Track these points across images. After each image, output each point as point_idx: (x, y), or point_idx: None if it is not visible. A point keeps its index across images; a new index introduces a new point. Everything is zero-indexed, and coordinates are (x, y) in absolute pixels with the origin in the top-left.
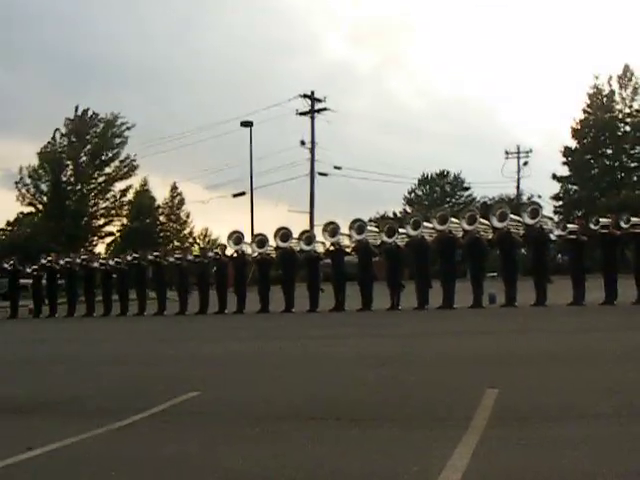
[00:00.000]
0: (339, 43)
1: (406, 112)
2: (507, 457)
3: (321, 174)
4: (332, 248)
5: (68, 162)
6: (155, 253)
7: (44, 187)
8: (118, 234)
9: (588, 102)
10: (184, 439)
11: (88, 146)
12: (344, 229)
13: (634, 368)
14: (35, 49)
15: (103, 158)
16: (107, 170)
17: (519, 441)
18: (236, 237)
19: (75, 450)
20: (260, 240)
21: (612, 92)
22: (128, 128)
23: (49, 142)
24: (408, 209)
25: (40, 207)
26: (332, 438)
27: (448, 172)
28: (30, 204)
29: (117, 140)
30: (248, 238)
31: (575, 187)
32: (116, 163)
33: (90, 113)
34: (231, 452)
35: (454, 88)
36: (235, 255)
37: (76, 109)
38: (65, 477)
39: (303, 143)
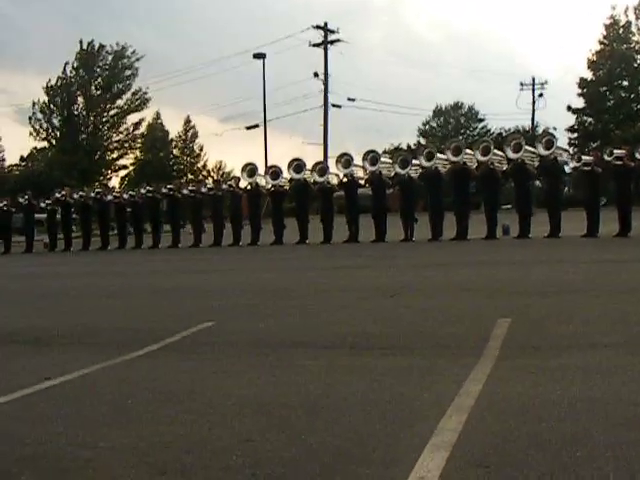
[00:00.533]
0: None
1: (420, 44)
2: (519, 384)
3: (335, 106)
4: (345, 180)
5: (79, 95)
6: (169, 186)
7: (56, 122)
8: (132, 167)
9: (604, 33)
10: (199, 368)
11: (99, 79)
12: (357, 161)
13: None
14: None
15: (114, 90)
16: (119, 103)
17: (530, 369)
18: (250, 169)
19: (92, 380)
20: (274, 172)
21: (629, 23)
22: (137, 59)
23: (59, 77)
24: (422, 141)
25: (54, 142)
26: (345, 367)
27: (462, 104)
28: (44, 139)
29: (127, 72)
30: (262, 170)
31: (590, 119)
32: (128, 95)
33: (97, 45)
34: (245, 380)
35: (469, 20)
36: (249, 187)
37: (80, 42)
38: (82, 405)
39: (316, 75)
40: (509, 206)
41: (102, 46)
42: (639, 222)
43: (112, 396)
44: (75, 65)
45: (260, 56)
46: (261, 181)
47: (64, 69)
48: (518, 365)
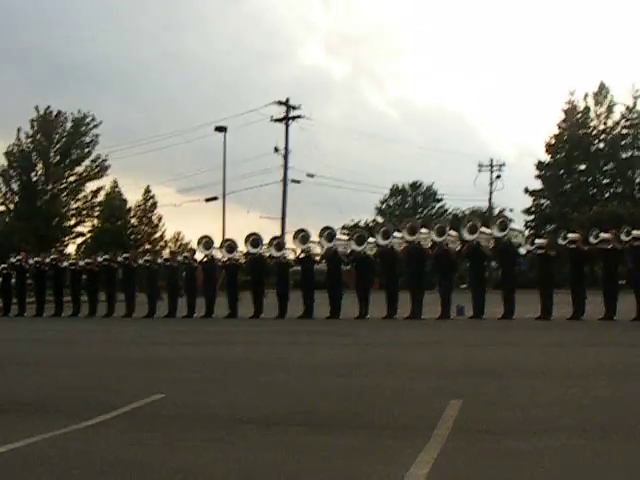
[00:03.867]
0: (315, 52)
1: (380, 122)
2: (467, 468)
3: (294, 181)
4: (302, 255)
5: (37, 161)
6: (125, 255)
7: (15, 187)
8: (89, 235)
9: (563, 117)
10: (147, 440)
11: (57, 145)
12: (315, 237)
13: (598, 384)
14: (9, 49)
15: (73, 157)
16: (78, 170)
17: (480, 452)
18: (206, 242)
19: (39, 449)
20: (229, 245)
21: (587, 109)
22: (95, 125)
23: (14, 143)
24: (379, 219)
25: (11, 207)
26: (294, 444)
27: (421, 183)
28: (1, 204)
29: (87, 139)
30: (219, 243)
31: (547, 202)
32: (87, 163)
33: (55, 112)
34: (193, 454)
35: (430, 99)
36: (205, 260)
37: (37, 109)
38: (26, 476)
39: (277, 150)
40: (464, 286)
41: (60, 112)
42: (592, 306)
43: (58, 466)
44: (31, 132)
45: (221, 129)
46: (217, 254)
47: (17, 135)
48: (468, 448)
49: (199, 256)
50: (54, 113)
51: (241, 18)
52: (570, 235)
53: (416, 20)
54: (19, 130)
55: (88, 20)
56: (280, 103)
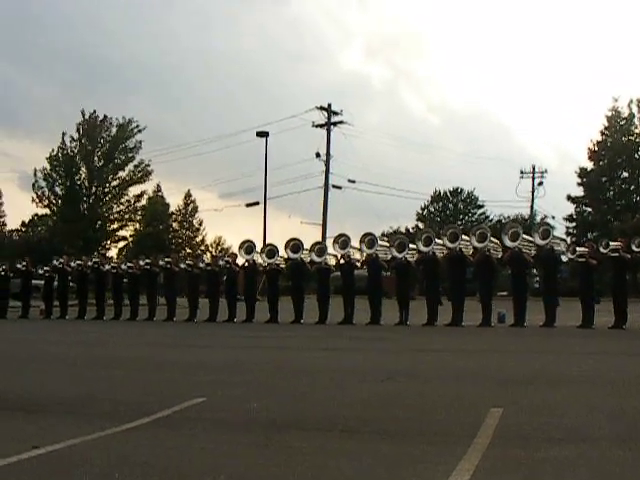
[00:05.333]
0: (354, 56)
1: (422, 128)
2: (507, 476)
3: (335, 187)
4: (343, 261)
5: (81, 165)
6: (167, 259)
7: (59, 190)
8: (131, 239)
9: (606, 124)
10: (188, 444)
11: (102, 149)
12: (355, 242)
13: None
14: (54, 53)
15: (117, 162)
16: (121, 174)
17: (520, 461)
18: (247, 247)
19: (80, 450)
20: (270, 250)
21: (631, 115)
22: (139, 131)
23: (59, 146)
24: (420, 225)
25: (55, 209)
26: (335, 450)
27: (462, 189)
28: (46, 206)
29: (131, 144)
30: (260, 248)
31: (589, 209)
32: (130, 167)
33: (101, 116)
34: (234, 459)
35: (470, 105)
36: (246, 264)
37: (82, 113)
38: (68, 477)
39: (318, 155)
40: (505, 293)
41: (105, 117)
42: (635, 314)
43: (99, 469)
44: (76, 136)
45: (263, 134)
46: (258, 259)
47: (62, 139)
48: (508, 456)
49: (240, 261)
50: (99, 118)
51: (281, 23)
52: (612, 243)
53: (456, 24)
54: (64, 134)
55: (129, 26)
56: (321, 108)
